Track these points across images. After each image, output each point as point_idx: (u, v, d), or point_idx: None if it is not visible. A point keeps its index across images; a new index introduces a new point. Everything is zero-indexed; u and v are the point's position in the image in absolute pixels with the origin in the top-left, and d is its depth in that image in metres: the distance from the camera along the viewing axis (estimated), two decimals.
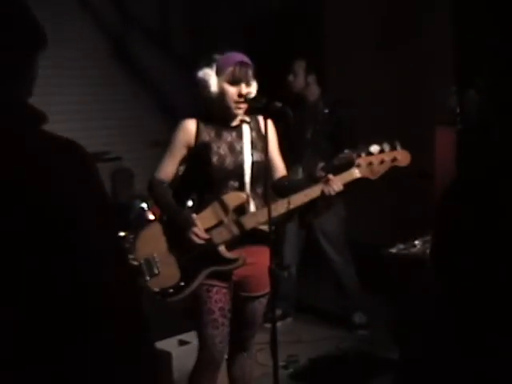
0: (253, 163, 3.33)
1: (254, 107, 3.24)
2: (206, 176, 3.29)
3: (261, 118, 3.42)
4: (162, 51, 7.16)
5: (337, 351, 4.97)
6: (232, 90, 3.23)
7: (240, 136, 3.36)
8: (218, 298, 3.30)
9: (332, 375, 4.61)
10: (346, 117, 5.22)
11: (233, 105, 3.25)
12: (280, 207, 3.28)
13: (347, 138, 5.06)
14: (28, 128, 1.57)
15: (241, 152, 3.33)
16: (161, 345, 4.39)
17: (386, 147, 3.42)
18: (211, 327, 3.31)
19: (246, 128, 3.38)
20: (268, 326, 5.17)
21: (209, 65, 3.28)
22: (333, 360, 4.83)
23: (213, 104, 3.31)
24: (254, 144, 3.37)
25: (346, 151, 4.77)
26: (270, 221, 3.13)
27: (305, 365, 4.78)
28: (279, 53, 6.41)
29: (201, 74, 3.27)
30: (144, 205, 5.11)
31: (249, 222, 3.27)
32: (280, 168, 3.54)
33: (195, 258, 3.27)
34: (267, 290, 3.43)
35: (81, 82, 6.57)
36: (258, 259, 3.32)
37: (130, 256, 4.91)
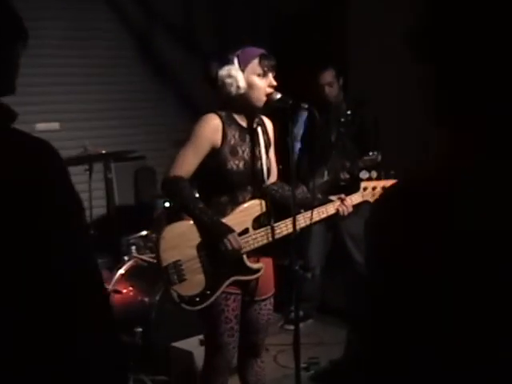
0: (267, 169, 3.32)
1: (280, 108, 3.16)
2: (226, 179, 3.19)
3: (265, 119, 3.40)
4: (186, 49, 7.15)
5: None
6: (262, 83, 3.16)
7: (258, 139, 3.30)
8: (235, 306, 3.26)
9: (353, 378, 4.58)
10: (369, 117, 5.21)
11: (263, 98, 3.17)
12: (302, 221, 3.29)
13: (372, 138, 5.06)
14: (7, 127, 1.52)
15: (260, 157, 3.28)
16: (182, 344, 4.41)
17: (383, 174, 3.63)
18: (227, 336, 3.26)
19: (259, 131, 3.33)
20: (289, 327, 5.21)
21: (226, 63, 3.16)
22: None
23: (238, 102, 3.20)
24: (266, 147, 3.35)
25: (371, 153, 4.76)
26: (295, 230, 3.16)
27: (326, 367, 4.76)
28: (303, 52, 6.41)
29: (224, 72, 3.14)
30: (167, 204, 5.11)
31: (276, 233, 3.25)
32: (276, 173, 3.50)
33: (221, 266, 3.19)
34: (272, 292, 3.44)
35: (105, 81, 6.59)
36: (262, 263, 3.32)
37: (151, 255, 4.93)
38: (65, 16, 6.24)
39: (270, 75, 3.17)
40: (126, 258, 4.90)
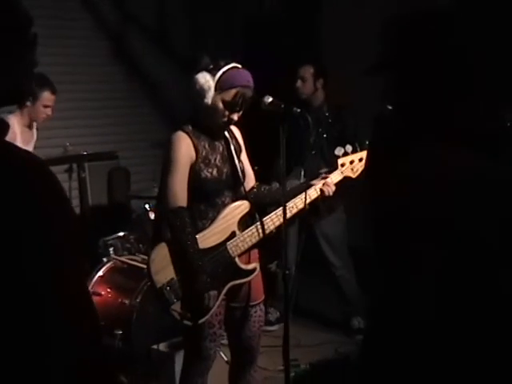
0: (241, 171, 3.33)
1: (272, 112, 3.17)
2: (202, 187, 3.20)
3: (232, 127, 3.39)
4: (161, 50, 7.13)
5: (337, 355, 4.96)
6: (224, 113, 3.16)
7: (227, 145, 3.31)
8: (219, 311, 3.25)
9: (333, 379, 4.60)
10: (350, 123, 5.20)
11: (221, 123, 3.21)
12: (280, 215, 3.27)
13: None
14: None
15: (232, 161, 3.29)
16: (163, 347, 4.39)
17: (358, 146, 3.54)
18: (209, 340, 3.27)
19: (228, 137, 3.34)
20: (267, 329, 5.20)
21: (210, 70, 3.14)
22: (333, 364, 4.82)
23: (202, 111, 3.21)
24: (237, 152, 3.36)
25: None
26: (285, 226, 3.16)
27: (305, 369, 4.77)
28: (279, 54, 6.41)
29: (201, 79, 3.12)
30: (146, 205, 5.07)
31: (264, 230, 3.25)
32: (252, 177, 3.51)
33: (215, 275, 3.17)
34: (262, 298, 3.45)
35: (78, 79, 6.52)
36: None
37: (130, 257, 4.89)
38: (39, 15, 6.14)
39: (236, 113, 3.18)
40: (104, 259, 4.85)
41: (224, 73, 3.12)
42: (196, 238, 3.13)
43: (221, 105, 3.13)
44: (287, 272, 3.24)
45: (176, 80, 6.76)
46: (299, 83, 5.24)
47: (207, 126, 3.24)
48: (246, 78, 3.17)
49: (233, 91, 3.11)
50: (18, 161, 1.43)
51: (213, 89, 3.11)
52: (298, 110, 3.12)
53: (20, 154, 1.45)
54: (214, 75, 3.12)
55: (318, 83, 5.25)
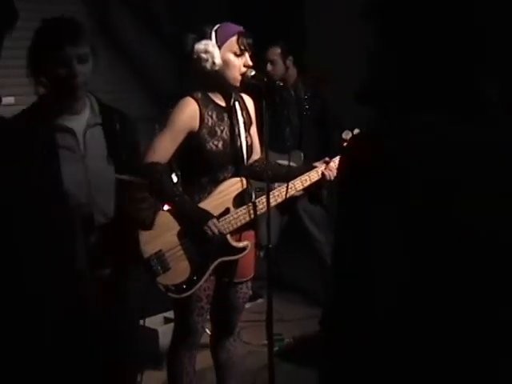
0: (247, 146, 3.28)
1: (254, 86, 3.15)
2: (206, 160, 3.16)
3: (245, 97, 3.37)
4: (142, 24, 7.07)
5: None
6: (237, 61, 3.12)
7: (236, 117, 3.26)
8: (207, 285, 3.24)
9: (316, 353, 4.62)
10: (329, 98, 5.18)
11: (239, 77, 3.14)
12: (283, 193, 3.27)
13: (333, 119, 5.03)
14: None
15: (239, 135, 3.24)
16: (147, 322, 4.38)
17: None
18: (197, 314, 3.26)
19: (238, 108, 3.29)
20: (248, 305, 5.20)
21: (203, 37, 3.11)
22: (316, 338, 4.84)
23: (213, 79, 3.16)
24: (246, 125, 3.31)
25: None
26: (269, 206, 3.16)
27: (289, 343, 4.80)
28: (264, 29, 6.36)
29: (201, 46, 3.09)
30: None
31: (258, 209, 3.24)
32: (259, 150, 3.47)
33: (205, 250, 3.17)
34: (250, 275, 3.44)
35: None
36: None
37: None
38: None
39: (247, 54, 3.15)
40: None
41: (216, 30, 3.12)
42: (175, 185, 3.16)
43: (231, 56, 3.12)
44: (270, 246, 3.22)
45: (159, 55, 6.72)
46: (269, 67, 5.18)
47: (220, 90, 3.22)
48: (238, 26, 3.19)
49: (234, 38, 3.12)
50: (7, 129, 1.44)
51: (216, 47, 3.09)
52: (281, 84, 3.11)
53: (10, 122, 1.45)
54: (209, 37, 3.11)
55: (287, 62, 5.20)
